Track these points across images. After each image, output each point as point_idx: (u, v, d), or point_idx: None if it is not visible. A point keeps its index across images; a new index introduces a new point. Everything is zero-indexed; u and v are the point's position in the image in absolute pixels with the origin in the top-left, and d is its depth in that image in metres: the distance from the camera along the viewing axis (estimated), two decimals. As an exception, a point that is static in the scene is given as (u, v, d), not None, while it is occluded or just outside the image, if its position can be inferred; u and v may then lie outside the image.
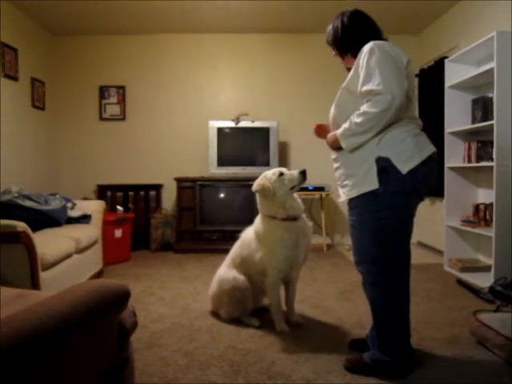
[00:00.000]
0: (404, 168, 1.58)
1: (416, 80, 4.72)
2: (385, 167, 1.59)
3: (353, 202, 1.72)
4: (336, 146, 1.72)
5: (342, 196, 1.79)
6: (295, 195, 2.22)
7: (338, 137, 1.68)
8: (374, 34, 1.75)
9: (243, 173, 4.48)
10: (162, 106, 4.97)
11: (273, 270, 2.15)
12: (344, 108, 1.72)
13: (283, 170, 2.21)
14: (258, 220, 2.26)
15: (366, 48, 1.62)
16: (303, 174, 2.16)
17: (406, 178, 1.58)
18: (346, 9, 1.84)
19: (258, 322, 2.26)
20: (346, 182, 1.73)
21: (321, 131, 1.90)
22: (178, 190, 4.47)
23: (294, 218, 2.14)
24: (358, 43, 1.70)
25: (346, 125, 1.64)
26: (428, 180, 1.69)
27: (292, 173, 2.18)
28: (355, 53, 1.71)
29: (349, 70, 1.77)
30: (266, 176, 2.20)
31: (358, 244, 1.74)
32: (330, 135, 1.77)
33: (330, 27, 1.85)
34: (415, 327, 1.84)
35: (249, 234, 2.30)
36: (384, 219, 1.63)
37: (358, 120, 1.59)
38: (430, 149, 1.67)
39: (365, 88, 1.57)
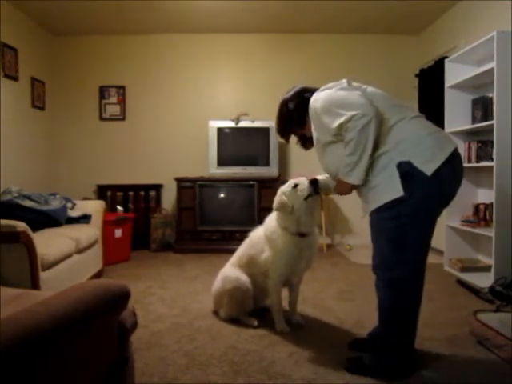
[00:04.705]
0: (428, 169, 1.51)
1: (416, 80, 4.73)
2: (407, 171, 1.53)
3: (374, 211, 1.65)
4: (349, 189, 1.70)
5: (365, 211, 1.72)
6: (316, 209, 2.14)
7: (343, 179, 1.67)
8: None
9: (243, 173, 4.47)
10: (161, 105, 4.97)
11: (274, 272, 2.16)
12: (335, 157, 1.73)
13: (300, 180, 2.09)
14: (269, 221, 2.23)
15: (312, 107, 1.73)
16: (313, 183, 2.02)
17: (431, 181, 1.52)
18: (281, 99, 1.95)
19: (256, 322, 2.26)
20: (368, 197, 1.67)
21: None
22: (178, 189, 4.47)
23: (303, 235, 2.10)
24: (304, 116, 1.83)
25: (343, 164, 1.65)
26: (454, 180, 1.63)
27: (304, 183, 2.06)
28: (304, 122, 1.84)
29: (310, 138, 1.90)
30: (282, 190, 2.12)
31: (377, 249, 1.69)
32: (337, 185, 1.77)
33: (277, 120, 1.96)
34: (415, 327, 1.85)
35: (258, 233, 2.29)
36: (407, 226, 1.57)
37: (348, 151, 1.59)
38: (452, 145, 1.60)
39: (334, 125, 1.61)
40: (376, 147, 1.59)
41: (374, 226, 1.68)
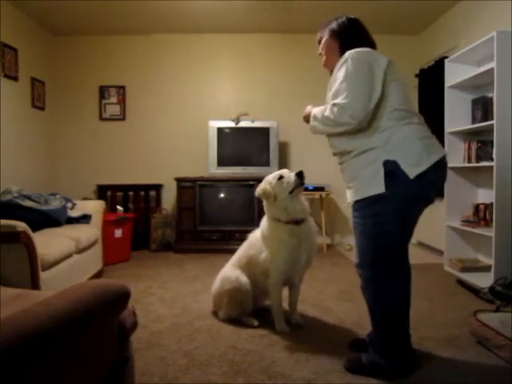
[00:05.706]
0: (412, 173, 1.55)
1: (416, 80, 4.73)
2: (392, 171, 1.56)
3: (357, 205, 1.69)
4: (306, 120, 1.86)
5: (348, 198, 1.76)
6: (301, 197, 2.19)
7: (311, 115, 1.79)
8: (363, 42, 1.80)
9: (243, 173, 4.48)
10: (161, 106, 4.97)
11: (274, 271, 2.16)
12: None
13: (284, 172, 2.18)
14: (264, 221, 2.27)
15: (343, 59, 1.67)
16: (299, 176, 2.11)
17: (413, 183, 1.55)
18: (345, 14, 1.93)
19: (257, 322, 2.26)
20: (351, 185, 1.71)
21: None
22: (178, 189, 4.47)
23: (297, 222, 2.13)
24: (347, 45, 1.76)
25: (321, 108, 1.72)
26: (436, 185, 1.67)
27: (290, 175, 2.13)
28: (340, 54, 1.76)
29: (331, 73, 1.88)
30: (267, 180, 2.19)
31: (359, 246, 1.72)
32: (309, 107, 1.87)
33: (328, 25, 2.00)
34: (415, 327, 1.84)
35: (256, 234, 2.31)
36: (387, 224, 1.60)
37: (326, 114, 1.66)
38: (440, 153, 1.63)
39: (333, 101, 1.65)
40: (364, 141, 1.63)
41: (356, 223, 1.72)
